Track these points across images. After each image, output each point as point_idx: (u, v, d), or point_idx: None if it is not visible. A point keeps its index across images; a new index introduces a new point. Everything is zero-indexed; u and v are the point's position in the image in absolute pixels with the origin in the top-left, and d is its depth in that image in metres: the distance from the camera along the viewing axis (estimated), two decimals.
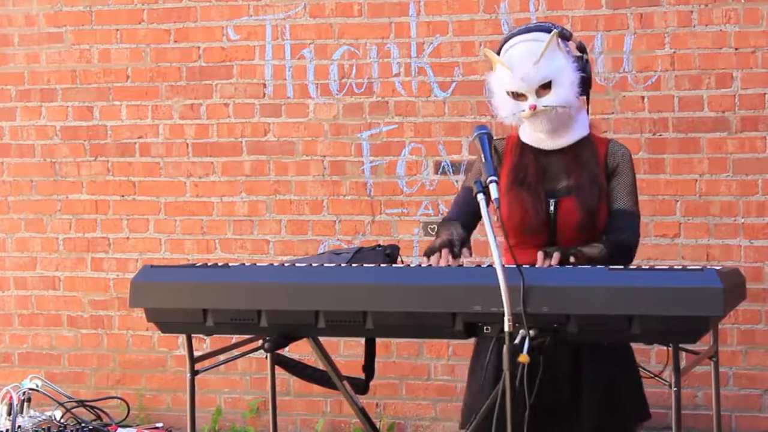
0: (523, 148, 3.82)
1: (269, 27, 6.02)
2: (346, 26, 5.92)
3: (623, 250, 3.71)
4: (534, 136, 3.79)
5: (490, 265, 3.41)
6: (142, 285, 3.63)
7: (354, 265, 3.76)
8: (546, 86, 3.70)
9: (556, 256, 3.54)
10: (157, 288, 3.61)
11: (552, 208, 3.71)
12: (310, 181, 5.98)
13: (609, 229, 3.74)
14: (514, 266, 3.24)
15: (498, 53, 3.78)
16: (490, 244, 3.22)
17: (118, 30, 6.22)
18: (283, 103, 6.02)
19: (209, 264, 3.72)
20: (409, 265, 3.91)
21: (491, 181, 3.36)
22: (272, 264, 4.09)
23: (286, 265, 3.74)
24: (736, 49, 5.44)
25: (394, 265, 3.74)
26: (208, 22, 6.10)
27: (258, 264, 3.97)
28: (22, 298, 6.38)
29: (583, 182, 3.73)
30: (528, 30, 3.80)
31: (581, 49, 3.82)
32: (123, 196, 6.24)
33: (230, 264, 3.70)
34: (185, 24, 6.13)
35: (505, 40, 3.82)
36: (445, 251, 3.63)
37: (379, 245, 4.07)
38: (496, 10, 5.70)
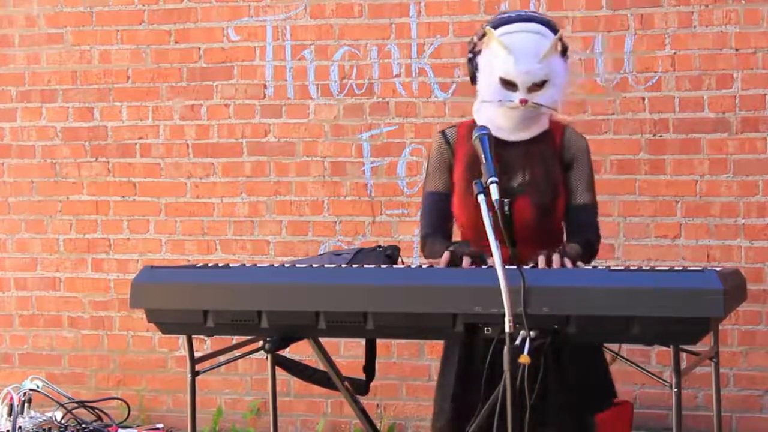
0: None
1: (270, 28, 6.02)
2: (346, 27, 5.92)
3: (589, 250, 3.75)
4: (495, 125, 3.66)
5: (491, 266, 3.41)
6: (143, 286, 3.63)
7: (354, 265, 3.76)
8: (540, 84, 3.68)
9: (541, 259, 3.51)
10: (157, 289, 3.61)
11: (507, 208, 3.65)
12: (310, 182, 5.98)
13: (571, 226, 3.77)
14: (515, 267, 3.24)
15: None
16: (490, 244, 3.22)
17: (118, 31, 6.22)
18: (283, 104, 6.01)
19: (210, 265, 3.72)
20: (409, 266, 3.92)
21: (492, 182, 3.36)
22: (273, 265, 4.09)
23: (286, 265, 3.74)
24: (737, 49, 5.44)
25: (394, 266, 3.74)
26: (208, 22, 6.10)
27: (258, 265, 3.97)
28: (22, 299, 6.38)
29: (538, 179, 3.71)
30: (529, 18, 3.76)
31: (564, 50, 3.79)
32: (123, 196, 6.23)
33: (231, 265, 3.71)
34: (186, 25, 6.13)
35: (503, 21, 3.75)
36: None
37: (380, 246, 4.07)
38: (496, 11, 5.68)
